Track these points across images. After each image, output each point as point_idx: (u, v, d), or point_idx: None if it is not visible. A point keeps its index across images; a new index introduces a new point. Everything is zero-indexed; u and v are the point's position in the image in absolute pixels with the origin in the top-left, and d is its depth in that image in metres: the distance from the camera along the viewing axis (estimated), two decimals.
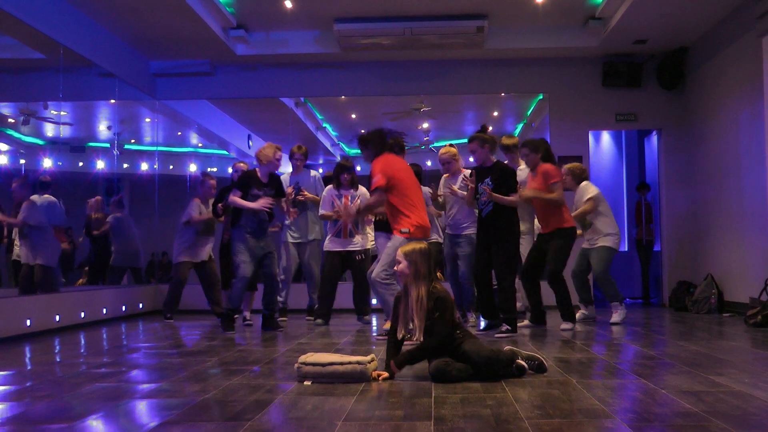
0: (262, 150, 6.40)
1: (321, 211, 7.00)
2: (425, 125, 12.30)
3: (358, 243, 7.00)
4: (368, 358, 3.77)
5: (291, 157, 7.29)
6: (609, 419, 2.77)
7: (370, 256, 7.07)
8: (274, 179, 6.51)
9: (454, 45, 8.73)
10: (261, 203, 6.22)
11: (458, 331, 3.78)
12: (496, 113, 12.16)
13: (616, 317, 6.69)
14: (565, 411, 2.95)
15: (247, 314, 7.23)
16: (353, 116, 12.17)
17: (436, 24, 8.35)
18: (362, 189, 6.94)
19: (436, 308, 3.71)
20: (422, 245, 3.95)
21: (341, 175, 6.91)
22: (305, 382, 3.63)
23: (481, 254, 6.02)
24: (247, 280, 6.39)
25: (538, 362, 3.82)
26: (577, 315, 6.82)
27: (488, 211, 5.93)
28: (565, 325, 6.15)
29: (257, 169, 6.44)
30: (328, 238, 7.07)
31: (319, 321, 7.00)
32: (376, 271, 5.22)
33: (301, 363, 3.72)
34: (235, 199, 6.28)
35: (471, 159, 6.25)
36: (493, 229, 5.91)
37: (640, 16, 7.85)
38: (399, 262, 3.84)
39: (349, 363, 3.68)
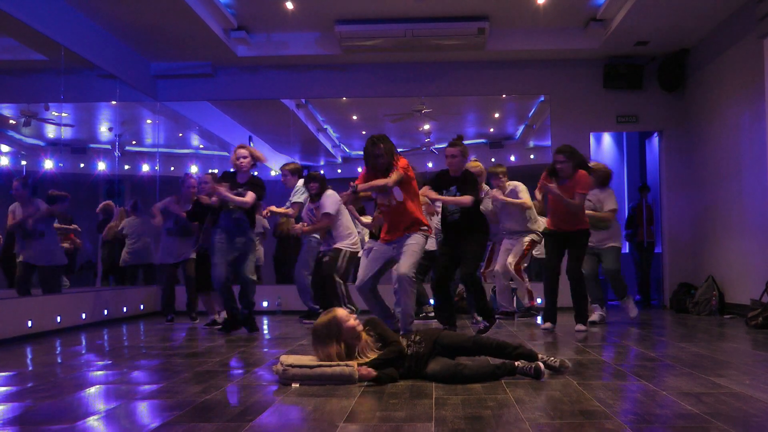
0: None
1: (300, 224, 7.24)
2: (426, 127, 12.30)
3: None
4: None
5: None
6: (610, 420, 2.77)
7: (341, 257, 6.95)
8: (254, 182, 6.44)
9: (455, 46, 8.74)
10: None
11: (415, 337, 3.82)
12: (497, 115, 12.17)
13: (634, 311, 7.10)
14: (566, 412, 2.95)
15: (216, 317, 7.18)
16: (354, 118, 12.18)
17: (437, 25, 8.35)
18: (324, 197, 7.01)
19: (374, 330, 3.79)
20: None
21: (308, 185, 7.08)
22: (293, 385, 3.61)
23: (446, 257, 6.04)
24: (220, 282, 6.32)
25: (535, 366, 3.73)
26: (596, 316, 6.96)
27: (455, 219, 5.94)
28: (580, 327, 6.30)
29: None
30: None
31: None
32: (407, 268, 5.30)
33: (287, 365, 3.68)
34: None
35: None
36: (464, 232, 5.94)
37: (641, 18, 7.85)
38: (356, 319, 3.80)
39: (337, 365, 3.65)
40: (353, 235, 7.02)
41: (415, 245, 5.39)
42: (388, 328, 3.89)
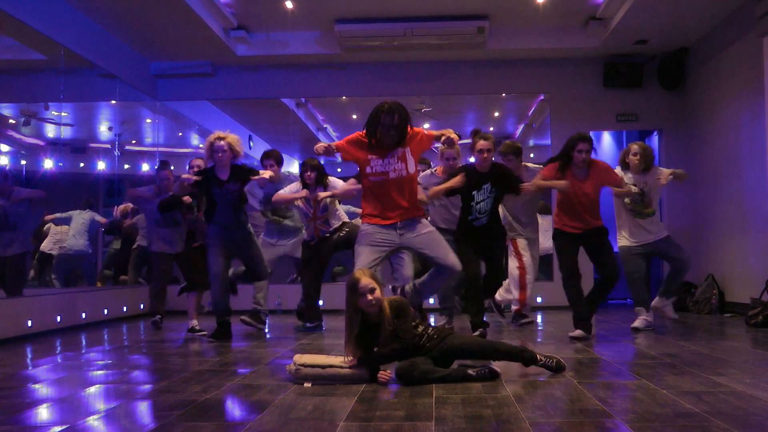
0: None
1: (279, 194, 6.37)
2: (426, 126, 12.30)
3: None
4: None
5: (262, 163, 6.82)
6: (610, 419, 2.77)
7: (352, 227, 6.39)
8: (236, 171, 5.91)
9: (454, 46, 8.73)
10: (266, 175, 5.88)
11: (431, 331, 3.78)
12: (497, 114, 12.17)
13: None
14: (566, 411, 2.96)
15: (194, 322, 6.51)
16: (354, 117, 12.17)
17: (437, 25, 8.34)
18: (332, 181, 6.43)
19: (398, 316, 3.71)
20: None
21: (304, 174, 6.31)
22: (305, 384, 3.62)
23: (475, 263, 5.56)
24: (217, 277, 5.92)
25: (556, 361, 3.81)
26: (641, 322, 6.16)
27: (483, 223, 5.48)
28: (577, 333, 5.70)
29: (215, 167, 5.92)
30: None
31: (309, 324, 6.49)
32: (455, 262, 4.56)
33: (300, 365, 3.69)
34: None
35: (471, 159, 5.88)
36: (494, 238, 5.55)
37: (640, 16, 7.85)
38: (373, 290, 3.69)
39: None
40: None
41: (436, 233, 4.63)
42: (410, 318, 3.79)
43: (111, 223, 9.46)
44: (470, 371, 3.66)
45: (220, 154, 5.81)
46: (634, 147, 6.27)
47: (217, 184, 5.88)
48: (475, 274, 5.47)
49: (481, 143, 5.38)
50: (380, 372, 3.64)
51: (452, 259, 4.53)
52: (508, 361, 3.81)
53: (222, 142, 5.79)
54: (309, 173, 6.31)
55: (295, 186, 6.43)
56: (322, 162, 6.68)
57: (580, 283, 5.70)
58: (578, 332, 5.55)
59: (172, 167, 7.19)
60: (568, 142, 5.71)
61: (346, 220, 6.64)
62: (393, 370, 3.68)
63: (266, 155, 6.82)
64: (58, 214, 8.84)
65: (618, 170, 6.23)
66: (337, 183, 6.45)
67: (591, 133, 9.62)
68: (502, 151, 6.22)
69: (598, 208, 5.79)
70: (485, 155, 5.40)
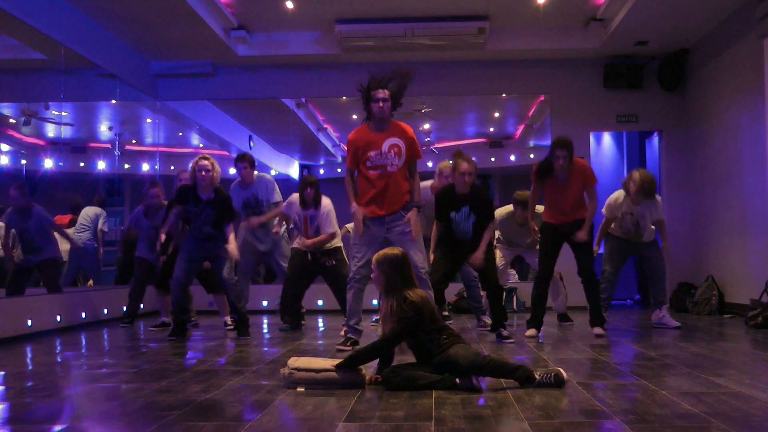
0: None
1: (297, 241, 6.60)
2: (426, 126, 12.31)
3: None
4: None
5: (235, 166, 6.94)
6: (609, 420, 2.78)
7: (343, 259, 6.60)
8: (220, 200, 5.96)
9: (455, 46, 8.73)
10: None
11: (444, 336, 3.63)
12: (497, 114, 12.18)
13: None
14: (565, 412, 2.96)
15: (228, 319, 6.72)
16: (354, 117, 12.18)
17: (438, 25, 8.34)
18: (324, 202, 6.52)
19: (401, 307, 3.63)
20: (396, 252, 3.80)
21: (304, 191, 6.42)
22: (298, 389, 3.56)
23: (446, 264, 5.65)
24: (178, 283, 6.01)
25: (555, 374, 3.50)
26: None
27: (468, 239, 5.55)
28: (598, 330, 5.85)
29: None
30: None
31: (285, 326, 6.62)
32: (423, 262, 4.96)
33: (293, 369, 3.61)
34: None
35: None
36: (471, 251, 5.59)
37: (641, 17, 7.85)
38: (373, 271, 3.78)
39: None
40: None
41: (418, 233, 4.95)
42: (433, 319, 3.69)
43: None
44: (457, 380, 3.50)
45: (203, 173, 5.86)
46: (636, 176, 6.20)
47: (195, 202, 5.94)
48: (439, 284, 5.58)
49: (464, 166, 5.44)
50: (368, 377, 3.63)
51: (419, 262, 4.85)
52: (500, 378, 3.56)
53: (206, 162, 5.89)
54: (309, 190, 6.44)
55: (293, 198, 6.60)
56: (321, 171, 6.86)
57: (548, 289, 6.01)
58: (531, 332, 5.83)
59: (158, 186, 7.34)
60: (550, 146, 5.89)
61: (337, 231, 6.61)
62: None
63: (240, 158, 6.95)
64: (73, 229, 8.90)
65: (620, 193, 6.37)
66: (329, 217, 6.49)
67: (591, 134, 9.75)
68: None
69: (583, 202, 5.90)
70: (467, 179, 5.45)
